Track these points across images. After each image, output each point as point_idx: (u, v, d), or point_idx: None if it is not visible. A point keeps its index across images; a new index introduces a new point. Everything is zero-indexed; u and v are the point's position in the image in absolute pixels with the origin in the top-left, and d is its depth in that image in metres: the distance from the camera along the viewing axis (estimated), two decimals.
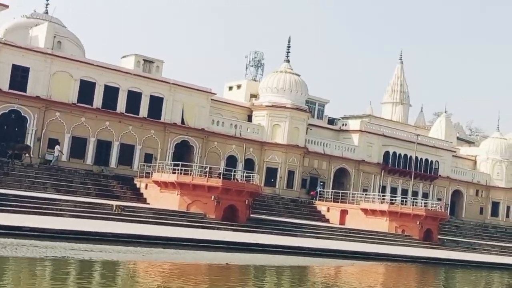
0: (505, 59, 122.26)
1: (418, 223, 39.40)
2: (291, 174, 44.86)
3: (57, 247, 18.39)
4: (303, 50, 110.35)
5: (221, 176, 32.24)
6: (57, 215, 25.56)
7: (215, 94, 43.11)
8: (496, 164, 58.14)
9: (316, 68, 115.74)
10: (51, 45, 36.99)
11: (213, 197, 31.16)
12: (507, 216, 58.62)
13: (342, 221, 41.18)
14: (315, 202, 43.67)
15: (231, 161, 42.51)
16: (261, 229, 32.13)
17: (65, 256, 17.22)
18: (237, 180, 33.90)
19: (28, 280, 14.22)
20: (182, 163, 33.50)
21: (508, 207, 58.95)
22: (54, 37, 37.96)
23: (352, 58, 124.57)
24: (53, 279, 14.72)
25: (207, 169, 32.73)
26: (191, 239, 24.64)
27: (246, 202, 32.43)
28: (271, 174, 44.27)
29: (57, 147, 35.43)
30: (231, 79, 51.51)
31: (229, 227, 30.67)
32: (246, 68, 56.55)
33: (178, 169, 32.14)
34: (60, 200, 27.75)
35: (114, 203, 29.45)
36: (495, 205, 58.16)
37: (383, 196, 43.58)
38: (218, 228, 30.04)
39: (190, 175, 31.93)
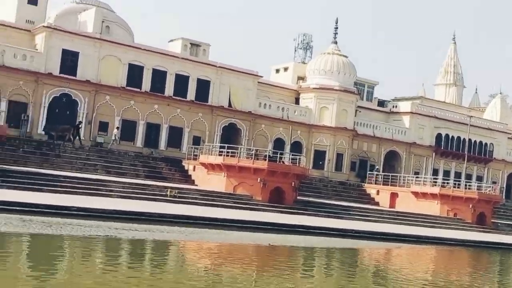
0: None
1: (470, 207, 38.41)
2: (339, 156, 44.40)
3: (102, 226, 18.68)
4: (353, 31, 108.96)
5: (267, 158, 32.07)
6: (106, 195, 26.06)
7: (262, 77, 42.95)
8: None
9: (366, 49, 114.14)
10: (99, 30, 37.48)
11: (259, 179, 31.11)
12: None
13: (392, 204, 40.53)
14: (364, 185, 43.11)
15: (279, 144, 42.38)
16: (307, 211, 31.95)
17: (108, 235, 17.48)
18: (283, 163, 33.65)
19: (67, 258, 14.46)
20: (228, 145, 33.57)
21: None
22: (103, 21, 38.41)
23: (404, 39, 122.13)
24: (93, 256, 14.94)
25: (253, 152, 32.69)
26: (237, 220, 24.70)
27: (293, 184, 32.22)
28: (319, 156, 43.93)
29: (115, 130, 36.18)
30: (278, 62, 51.13)
31: (275, 209, 30.59)
32: (295, 51, 56.12)
33: (224, 151, 32.21)
34: (109, 181, 28.25)
35: (169, 186, 29.74)
36: None
37: (434, 179, 42.64)
38: (264, 210, 30.01)
39: (236, 157, 31.91)
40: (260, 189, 31.16)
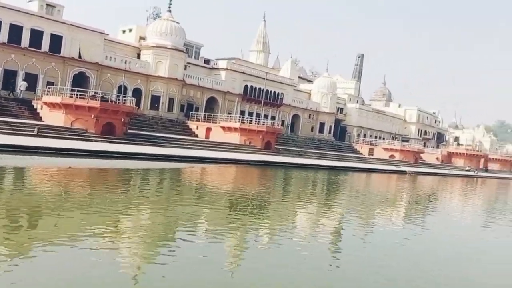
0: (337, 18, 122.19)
1: (260, 137, 37.80)
2: (171, 100, 41.38)
3: None
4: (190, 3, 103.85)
5: (100, 99, 28.22)
6: None
7: (108, 35, 37.99)
8: (323, 96, 57.55)
9: (201, 19, 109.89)
10: None
11: (93, 115, 27.35)
12: (329, 132, 58.77)
13: (207, 136, 38.81)
14: (188, 122, 40.76)
15: (122, 90, 38.21)
16: (135, 141, 28.96)
17: None
18: (116, 103, 29.91)
19: None
20: (71, 88, 29.23)
21: (296, 124, 58.62)
22: None
23: (231, 14, 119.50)
24: None
25: (89, 94, 28.65)
26: (70, 149, 21.11)
27: (122, 120, 28.88)
28: (155, 100, 40.54)
29: (23, 82, 31.05)
30: (129, 25, 45.83)
31: (106, 139, 27.22)
32: (147, 19, 51.95)
33: (63, 93, 27.87)
34: None
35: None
36: (321, 125, 57.83)
37: (240, 117, 41.44)
38: (96, 141, 26.54)
39: (74, 97, 27.67)
40: (94, 124, 27.47)
